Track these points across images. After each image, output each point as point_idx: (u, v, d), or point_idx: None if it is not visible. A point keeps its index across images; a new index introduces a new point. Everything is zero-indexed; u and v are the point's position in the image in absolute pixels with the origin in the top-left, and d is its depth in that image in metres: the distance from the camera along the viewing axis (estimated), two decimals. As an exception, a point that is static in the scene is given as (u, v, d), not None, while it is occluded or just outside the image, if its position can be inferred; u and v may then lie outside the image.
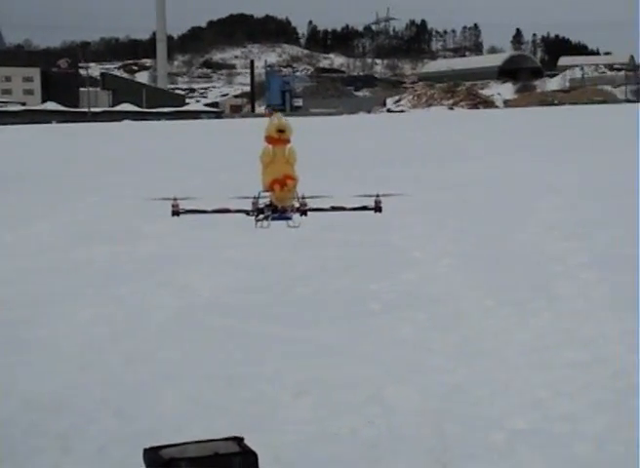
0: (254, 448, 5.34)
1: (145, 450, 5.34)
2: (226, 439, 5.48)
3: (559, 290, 10.44)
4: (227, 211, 6.01)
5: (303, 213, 5.75)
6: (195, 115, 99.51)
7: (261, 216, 5.83)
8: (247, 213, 5.89)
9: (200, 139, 47.28)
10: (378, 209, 6.09)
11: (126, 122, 78.27)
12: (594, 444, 6.16)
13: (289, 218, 5.84)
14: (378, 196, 6.06)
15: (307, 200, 5.85)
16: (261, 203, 5.87)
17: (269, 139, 5.73)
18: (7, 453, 6.18)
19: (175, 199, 5.85)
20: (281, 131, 5.67)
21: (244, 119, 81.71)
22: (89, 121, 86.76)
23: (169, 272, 11.86)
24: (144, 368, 7.98)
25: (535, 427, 6.51)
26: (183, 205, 5.90)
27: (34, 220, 17.22)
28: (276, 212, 5.79)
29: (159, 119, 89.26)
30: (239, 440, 5.46)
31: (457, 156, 30.16)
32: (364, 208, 6.12)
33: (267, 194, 5.82)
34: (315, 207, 5.89)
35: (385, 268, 11.64)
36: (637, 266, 11.33)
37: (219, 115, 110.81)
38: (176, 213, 5.87)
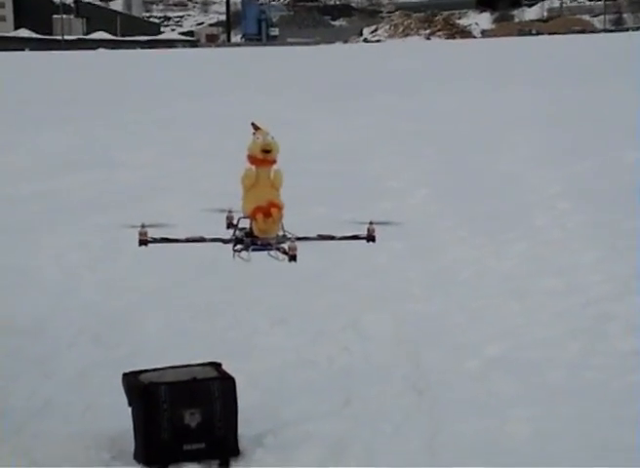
0: (232, 373, 5.40)
1: (124, 375, 5.39)
2: (204, 364, 5.54)
3: (534, 219, 10.51)
4: (202, 240, 5.32)
5: (292, 258, 5.01)
6: (170, 44, 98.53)
7: (240, 247, 5.15)
8: (224, 241, 5.21)
9: (174, 69, 46.90)
10: (370, 238, 5.29)
11: (100, 50, 77.49)
12: (567, 370, 6.25)
13: (271, 250, 5.16)
14: (371, 223, 5.29)
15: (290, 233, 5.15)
16: (240, 231, 5.16)
17: (252, 160, 5.04)
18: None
19: (142, 226, 5.14)
20: (266, 151, 4.99)
21: (219, 48, 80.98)
22: (63, 49, 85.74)
23: (146, 201, 11.84)
24: (122, 295, 8.02)
25: (509, 355, 6.60)
26: (152, 232, 5.18)
27: (10, 149, 17.12)
28: (257, 243, 5.10)
29: (134, 48, 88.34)
30: (217, 365, 5.52)
31: (432, 87, 30.07)
32: (355, 237, 5.37)
33: (247, 221, 5.15)
34: (301, 236, 5.14)
35: (361, 197, 11.65)
36: (611, 196, 11.41)
37: (194, 44, 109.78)
38: (143, 242, 5.15)
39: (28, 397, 5.97)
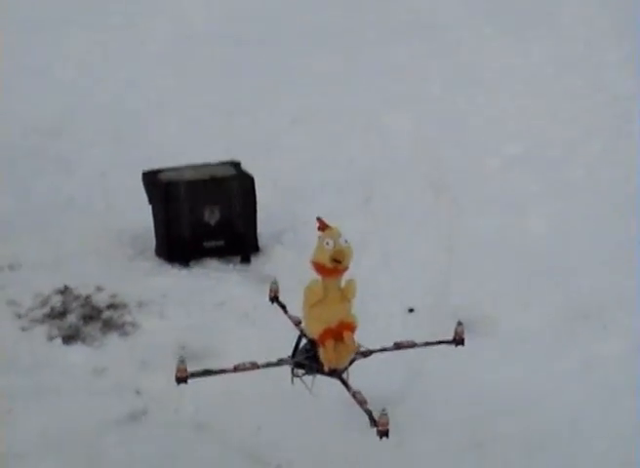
0: (251, 172, 5.40)
1: (144, 174, 5.42)
2: (224, 163, 5.54)
3: (561, 17, 10.25)
4: (256, 366, 4.07)
5: (384, 434, 3.74)
6: None
7: (301, 373, 4.08)
8: (279, 365, 4.09)
9: None
10: (459, 341, 4.26)
11: None
12: (587, 168, 6.24)
13: (343, 382, 4.05)
14: (460, 324, 4.24)
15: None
16: (301, 353, 4.07)
17: (319, 269, 3.85)
18: (8, 175, 6.28)
19: (181, 361, 3.93)
20: (337, 260, 3.80)
21: None
22: None
23: (163, 1, 11.58)
24: (141, 95, 7.93)
25: (530, 153, 6.59)
26: (192, 364, 4.02)
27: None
28: (323, 371, 3.99)
29: None
30: (236, 164, 5.52)
31: None
32: (441, 342, 4.31)
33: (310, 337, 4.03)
34: (377, 348, 4.14)
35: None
36: None
37: None
38: (182, 380, 3.96)
39: (52, 194, 6.04)
